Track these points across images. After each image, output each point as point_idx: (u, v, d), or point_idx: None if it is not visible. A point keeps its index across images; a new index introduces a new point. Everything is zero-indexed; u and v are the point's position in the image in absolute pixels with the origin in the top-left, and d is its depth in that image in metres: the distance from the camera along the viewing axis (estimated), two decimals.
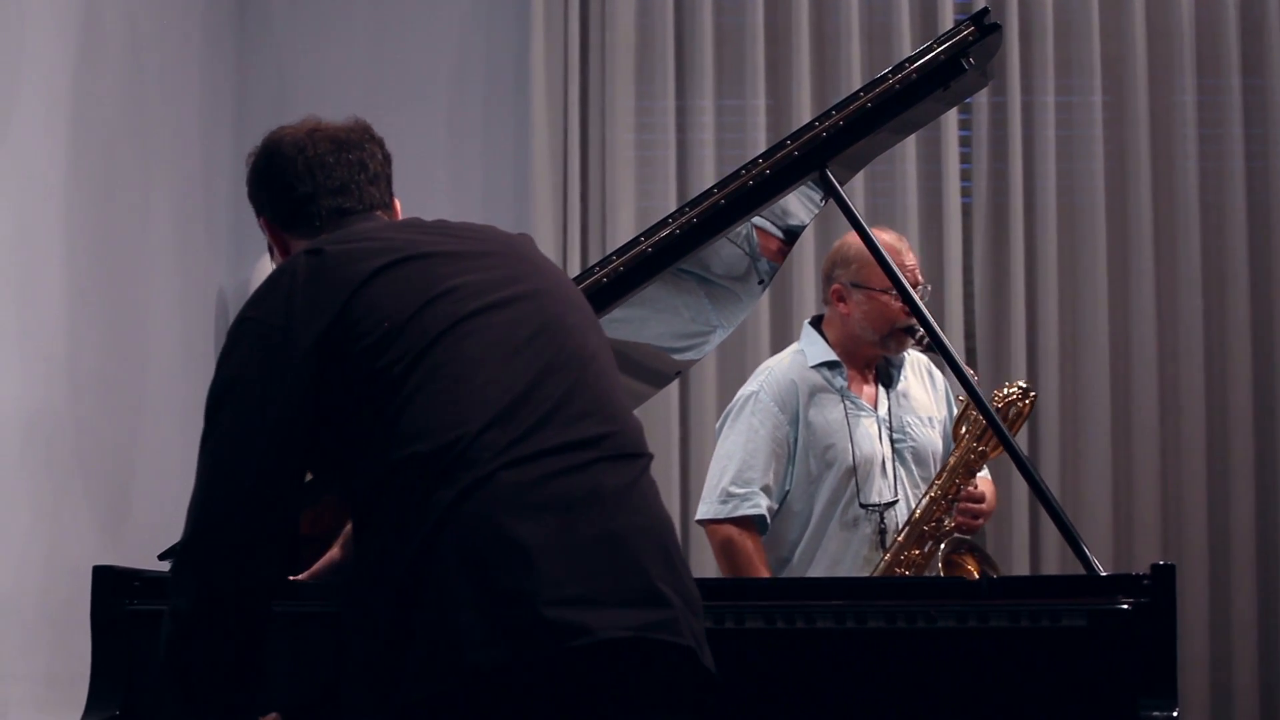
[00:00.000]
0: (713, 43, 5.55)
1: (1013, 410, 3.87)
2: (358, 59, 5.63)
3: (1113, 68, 5.55)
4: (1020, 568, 5.35)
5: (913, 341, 3.99)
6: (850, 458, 3.96)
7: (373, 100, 5.56)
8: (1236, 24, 5.52)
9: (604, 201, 5.50)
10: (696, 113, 5.54)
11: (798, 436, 3.99)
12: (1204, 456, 5.43)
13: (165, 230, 4.94)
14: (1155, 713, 2.62)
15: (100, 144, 4.53)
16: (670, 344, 3.48)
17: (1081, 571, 2.86)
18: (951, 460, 3.91)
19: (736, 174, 3.15)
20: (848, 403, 4.01)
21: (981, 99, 5.49)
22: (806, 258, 5.39)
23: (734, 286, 3.39)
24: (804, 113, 5.40)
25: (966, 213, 5.56)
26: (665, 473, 5.26)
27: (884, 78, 3.17)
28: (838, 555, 3.96)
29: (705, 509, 4.03)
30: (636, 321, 3.26)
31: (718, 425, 4.15)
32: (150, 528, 4.43)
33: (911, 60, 3.17)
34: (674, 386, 5.26)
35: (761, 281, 3.43)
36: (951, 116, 5.43)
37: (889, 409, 4.05)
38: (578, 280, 3.07)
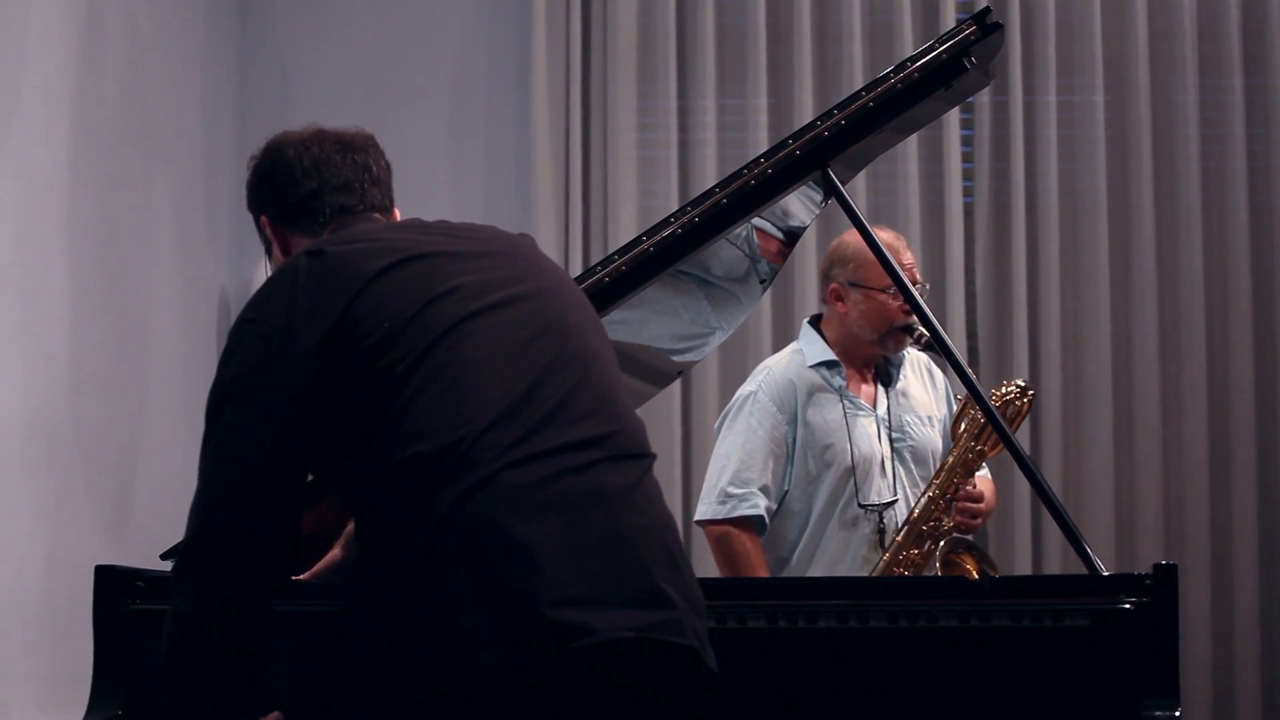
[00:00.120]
0: (714, 42, 5.55)
1: (1011, 409, 3.87)
2: (359, 58, 5.63)
3: (1115, 67, 5.55)
4: (1022, 567, 5.35)
5: (911, 340, 3.99)
6: (849, 457, 3.96)
7: (374, 100, 5.57)
8: (1238, 23, 5.52)
9: (606, 201, 5.50)
10: (698, 112, 5.54)
11: (796, 436, 3.99)
12: (1206, 456, 5.43)
13: (167, 230, 4.94)
14: (1158, 712, 2.62)
15: (102, 144, 4.53)
16: (670, 346, 3.48)
17: (1084, 571, 2.85)
18: (950, 459, 3.91)
19: (738, 173, 3.16)
20: (846, 402, 4.00)
21: (983, 98, 5.49)
22: (808, 257, 5.38)
23: (734, 288, 3.39)
24: (806, 112, 5.40)
25: (968, 212, 5.56)
26: (667, 472, 5.25)
27: (886, 77, 3.16)
28: (837, 555, 3.95)
29: (704, 509, 4.02)
30: (636, 323, 3.26)
31: (716, 425, 4.15)
32: (152, 527, 4.43)
33: (913, 59, 3.17)
34: (676, 386, 5.26)
35: (763, 282, 3.43)
36: (953, 116, 5.43)
37: (888, 408, 4.04)
38: (580, 279, 3.07)
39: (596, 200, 5.52)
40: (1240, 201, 5.48)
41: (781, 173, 3.14)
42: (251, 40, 5.58)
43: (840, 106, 3.16)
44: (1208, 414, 5.44)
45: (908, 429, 4.04)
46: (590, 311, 2.55)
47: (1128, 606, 2.67)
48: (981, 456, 3.90)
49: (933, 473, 3.98)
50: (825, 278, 4.10)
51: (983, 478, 4.06)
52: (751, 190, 3.13)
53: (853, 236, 4.00)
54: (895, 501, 3.97)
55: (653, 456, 2.44)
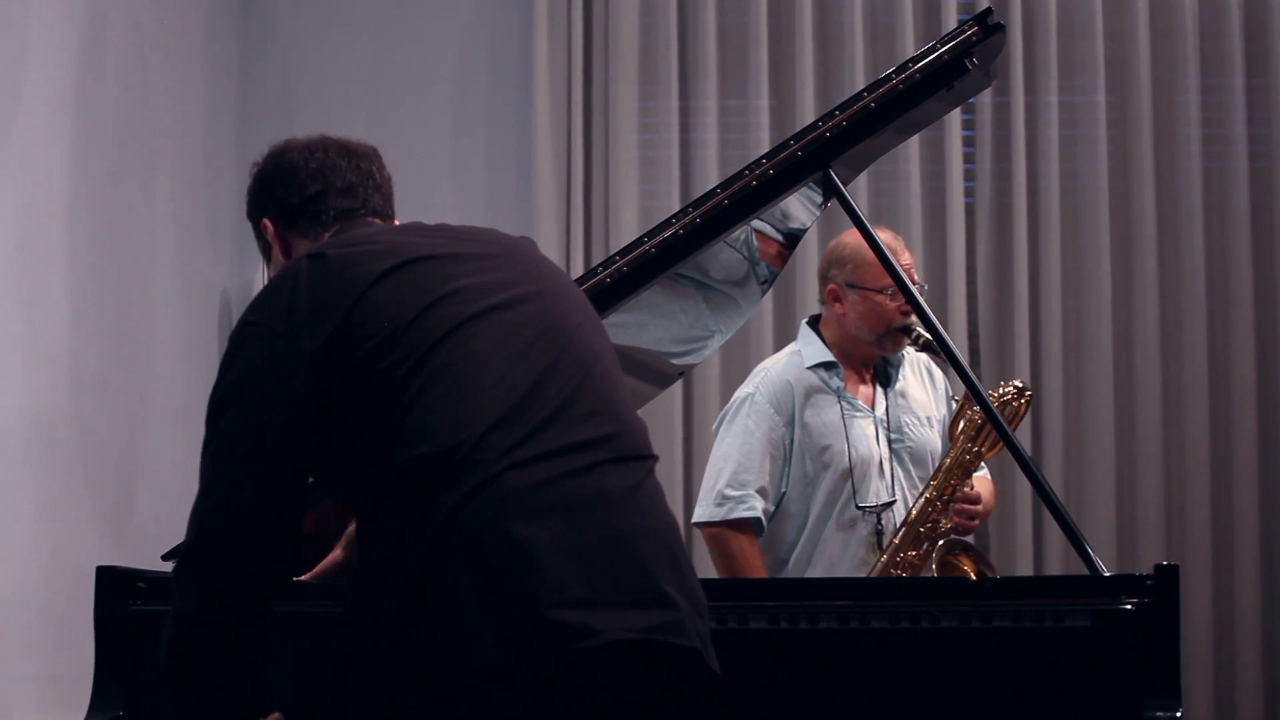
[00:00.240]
0: (716, 43, 5.55)
1: (1008, 410, 3.87)
2: (361, 58, 5.63)
3: (1116, 68, 5.55)
4: (1024, 568, 5.35)
5: (909, 341, 3.98)
6: (846, 459, 3.95)
7: (376, 100, 5.58)
8: (1240, 24, 5.52)
9: (607, 201, 5.50)
10: (700, 113, 5.54)
11: (793, 438, 3.98)
12: (1207, 456, 5.43)
13: (168, 231, 4.94)
14: (1159, 713, 2.62)
15: (104, 145, 4.53)
16: (668, 349, 3.48)
17: (1085, 572, 2.86)
18: (947, 461, 3.90)
19: (740, 174, 3.16)
20: (844, 404, 4.00)
21: (985, 99, 5.49)
22: (810, 258, 5.38)
23: (732, 292, 3.39)
24: (807, 113, 5.40)
25: (970, 213, 5.56)
26: (668, 473, 5.25)
27: (887, 78, 3.17)
28: (835, 557, 3.95)
29: (701, 511, 4.02)
30: (634, 327, 3.26)
31: (714, 427, 4.14)
32: (153, 528, 4.43)
33: (915, 60, 3.17)
34: (677, 387, 5.26)
35: (764, 284, 3.43)
36: (955, 116, 5.43)
37: (886, 409, 4.04)
38: (581, 280, 3.08)
39: (598, 201, 5.52)
40: (1242, 202, 5.48)
41: (783, 173, 3.14)
42: (253, 40, 5.58)
43: (842, 107, 3.16)
44: (1209, 414, 5.44)
45: (906, 430, 4.03)
46: (591, 313, 2.55)
47: (1129, 607, 2.67)
48: (979, 458, 3.90)
49: (931, 474, 3.97)
50: (823, 279, 4.09)
51: (982, 478, 4.05)
52: (753, 191, 3.14)
53: (850, 237, 4.00)
54: (893, 503, 3.97)
55: (655, 458, 2.44)
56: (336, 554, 2.74)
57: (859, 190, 5.31)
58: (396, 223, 2.64)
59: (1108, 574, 2.81)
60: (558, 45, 5.53)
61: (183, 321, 5.02)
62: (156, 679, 2.70)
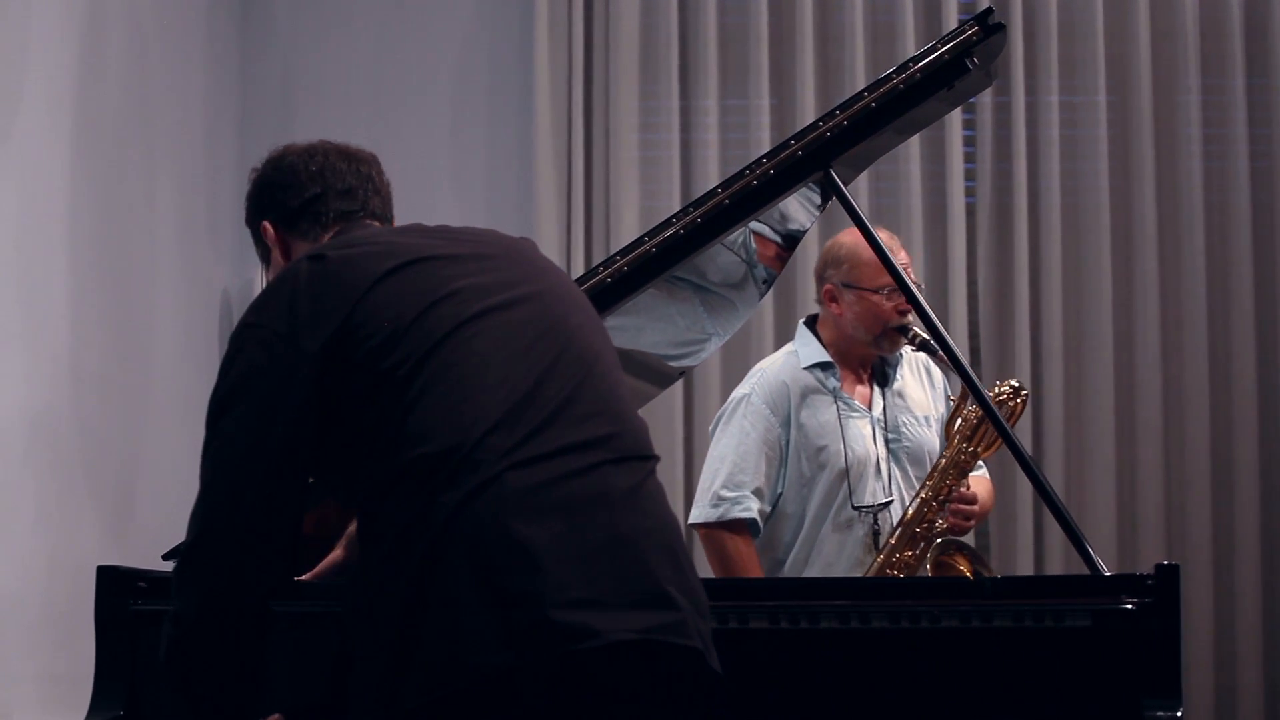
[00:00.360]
0: (716, 42, 5.55)
1: (1004, 410, 3.85)
2: (362, 58, 5.63)
3: (1117, 68, 5.55)
4: (1024, 567, 5.34)
5: (905, 340, 3.98)
6: (842, 460, 3.94)
7: (377, 99, 5.57)
8: (1241, 24, 5.52)
9: (608, 201, 5.50)
10: (700, 113, 5.53)
11: (789, 439, 3.98)
12: (1208, 456, 5.43)
13: (169, 231, 4.94)
14: (1159, 713, 2.62)
15: (104, 144, 4.53)
16: (665, 352, 3.48)
17: (1085, 571, 2.85)
18: (943, 461, 3.90)
19: (740, 174, 3.16)
20: (840, 404, 3.99)
21: (985, 99, 5.49)
22: (811, 258, 5.36)
23: (730, 295, 3.39)
24: (808, 113, 5.40)
25: (970, 213, 5.56)
26: (669, 473, 5.25)
27: (888, 78, 3.17)
28: (831, 557, 3.94)
29: (697, 513, 4.02)
30: (632, 330, 3.26)
31: (711, 428, 4.14)
32: (154, 528, 4.43)
33: (915, 60, 3.17)
34: (677, 387, 5.26)
35: (764, 284, 3.43)
36: (955, 116, 5.43)
37: (884, 409, 4.03)
38: (581, 280, 3.08)
39: (598, 201, 5.52)
40: (1242, 202, 5.48)
41: (784, 173, 3.14)
42: (254, 40, 5.57)
43: (842, 107, 3.16)
44: (1210, 414, 5.44)
45: (903, 430, 4.03)
46: (592, 313, 2.55)
47: (1129, 607, 2.67)
48: (975, 458, 3.90)
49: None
50: (819, 278, 4.09)
51: (979, 478, 4.05)
52: (754, 190, 3.14)
53: (846, 237, 4.00)
54: (890, 503, 3.96)
55: (656, 458, 2.44)
56: (336, 554, 2.74)
57: (859, 190, 5.31)
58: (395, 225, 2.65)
59: (1108, 574, 2.81)
60: (558, 45, 5.53)
61: (183, 321, 5.01)
62: (157, 679, 2.71)
